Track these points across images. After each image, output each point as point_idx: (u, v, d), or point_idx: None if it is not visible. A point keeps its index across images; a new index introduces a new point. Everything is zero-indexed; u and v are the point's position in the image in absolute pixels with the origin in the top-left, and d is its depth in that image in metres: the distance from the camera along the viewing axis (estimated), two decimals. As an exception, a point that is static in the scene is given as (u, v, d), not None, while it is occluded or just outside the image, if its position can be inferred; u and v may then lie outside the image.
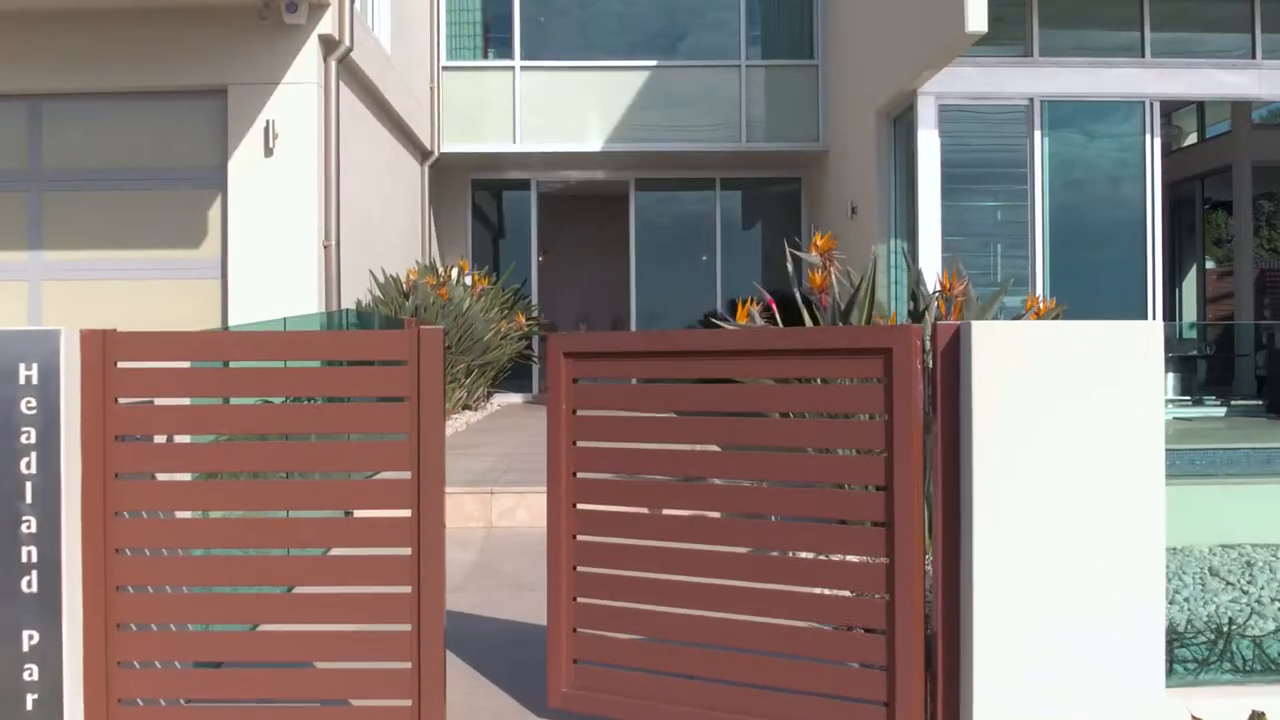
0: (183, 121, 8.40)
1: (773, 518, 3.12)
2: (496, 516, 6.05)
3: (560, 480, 3.29)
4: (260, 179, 8.21)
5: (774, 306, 6.17)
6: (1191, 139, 15.32)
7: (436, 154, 13.05)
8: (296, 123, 8.27)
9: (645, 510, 3.20)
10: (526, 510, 6.03)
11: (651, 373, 3.17)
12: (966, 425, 2.74)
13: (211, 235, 8.38)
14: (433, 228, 13.45)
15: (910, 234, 10.97)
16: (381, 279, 10.16)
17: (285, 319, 6.60)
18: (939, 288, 5.62)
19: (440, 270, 12.95)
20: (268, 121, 8.18)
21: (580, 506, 3.29)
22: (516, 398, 14.57)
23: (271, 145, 8.17)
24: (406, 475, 2.94)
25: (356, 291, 9.53)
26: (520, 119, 13.24)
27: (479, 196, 15.02)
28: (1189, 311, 14.70)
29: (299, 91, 8.25)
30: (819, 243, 5.98)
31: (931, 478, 2.83)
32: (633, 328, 14.74)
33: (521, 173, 14.59)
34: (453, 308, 9.49)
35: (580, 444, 3.29)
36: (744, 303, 5.81)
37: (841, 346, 2.94)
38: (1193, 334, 14.04)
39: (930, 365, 2.83)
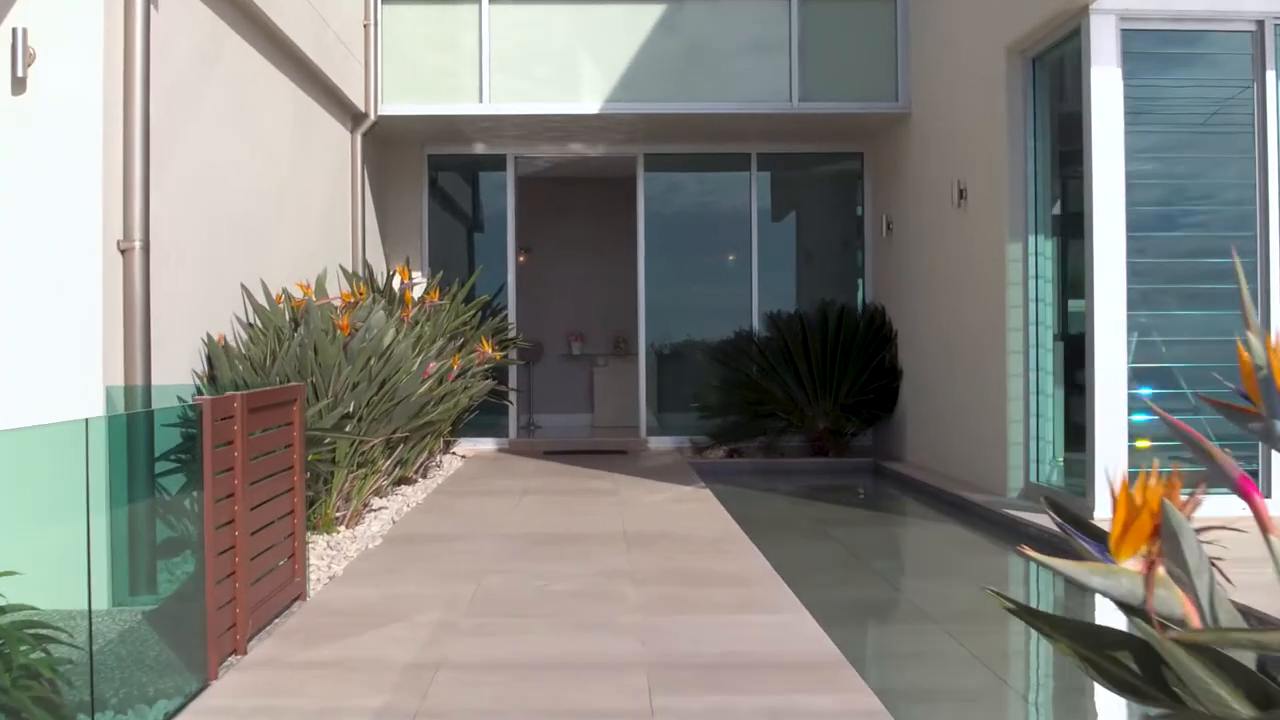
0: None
1: None
2: None
3: None
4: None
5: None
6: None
7: (373, 117, 9.47)
8: (71, 34, 4.72)
9: None
10: None
11: None
12: None
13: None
14: (369, 220, 9.86)
15: (1062, 227, 7.42)
16: (265, 298, 6.61)
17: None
18: None
19: (379, 277, 9.37)
20: (15, 32, 4.63)
21: None
22: (488, 444, 11.02)
23: (22, 71, 4.62)
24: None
25: (214, 321, 5.98)
26: (489, 70, 9.67)
27: (440, 179, 11.45)
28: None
29: (76, -21, 4.71)
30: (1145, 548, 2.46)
31: None
32: (641, 348, 11.17)
33: (493, 145, 11.00)
34: (366, 345, 5.93)
35: None
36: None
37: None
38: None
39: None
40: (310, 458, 5.29)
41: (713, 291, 11.50)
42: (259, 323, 6.47)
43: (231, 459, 3.77)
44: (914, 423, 9.72)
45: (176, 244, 5.45)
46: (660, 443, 11.05)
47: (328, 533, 5.77)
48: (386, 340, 6.16)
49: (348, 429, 5.66)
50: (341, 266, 8.84)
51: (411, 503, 7.28)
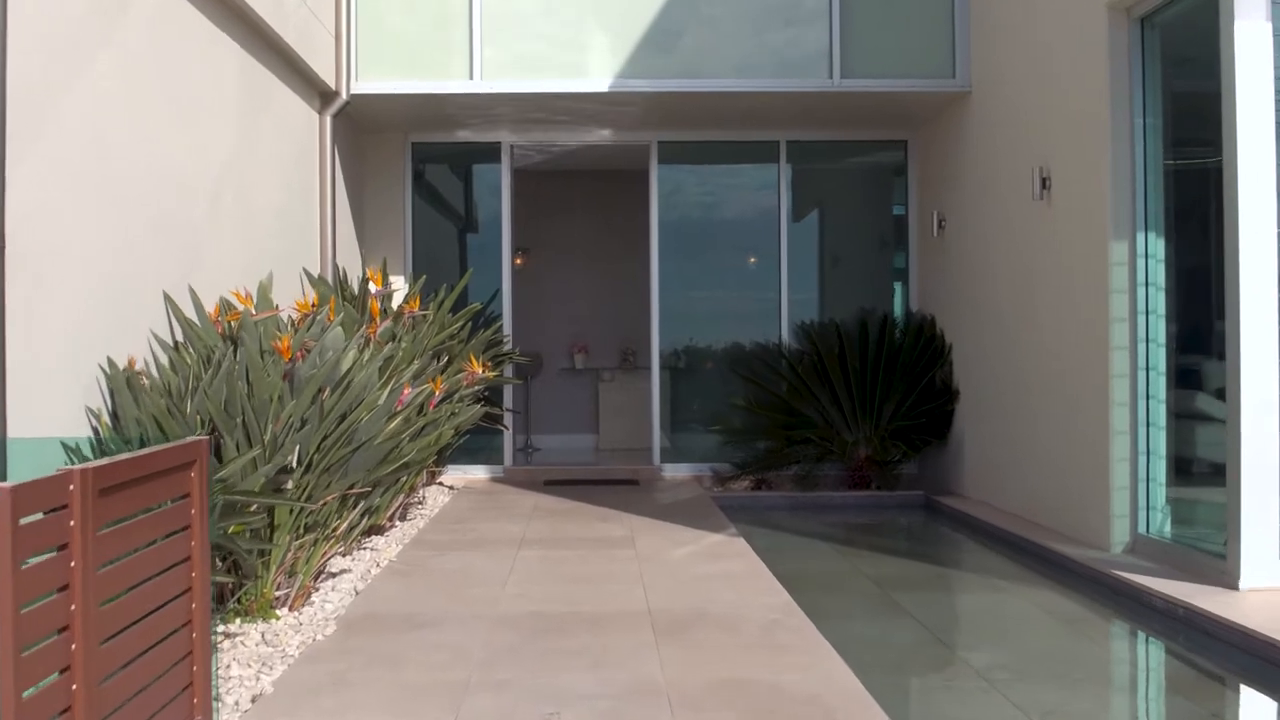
0: None
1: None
2: None
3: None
4: None
5: None
6: None
7: (345, 96, 8.11)
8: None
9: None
10: None
11: None
12: None
13: None
14: (342, 216, 8.50)
15: (1178, 223, 6.09)
16: (197, 311, 5.25)
17: None
18: None
19: (354, 283, 8.03)
20: None
21: None
22: (480, 473, 9.66)
23: None
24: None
25: (123, 341, 4.63)
26: (481, 42, 8.32)
27: (425, 172, 10.10)
28: None
29: None
30: None
31: None
32: (654, 362, 9.82)
33: (486, 131, 9.65)
34: (318, 372, 4.56)
35: None
36: None
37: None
38: None
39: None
40: (232, 530, 3.94)
41: (735, 298, 10.16)
42: (184, 339, 5.12)
43: (65, 573, 2.42)
44: (973, 452, 8.37)
45: (56, 243, 4.10)
46: (676, 471, 9.69)
47: (264, 619, 4.41)
48: (345, 364, 4.80)
49: (288, 486, 4.30)
50: (306, 271, 7.48)
51: (383, 560, 5.92)
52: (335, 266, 7.97)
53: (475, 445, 9.45)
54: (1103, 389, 6.20)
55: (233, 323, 5.02)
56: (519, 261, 11.51)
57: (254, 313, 4.98)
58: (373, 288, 6.95)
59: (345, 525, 4.94)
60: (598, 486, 9.12)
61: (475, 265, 9.99)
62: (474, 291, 9.77)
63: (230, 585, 4.34)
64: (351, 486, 4.73)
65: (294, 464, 4.37)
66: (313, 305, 5.52)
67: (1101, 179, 6.22)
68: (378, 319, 5.64)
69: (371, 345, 5.33)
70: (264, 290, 5.50)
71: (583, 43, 8.41)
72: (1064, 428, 6.74)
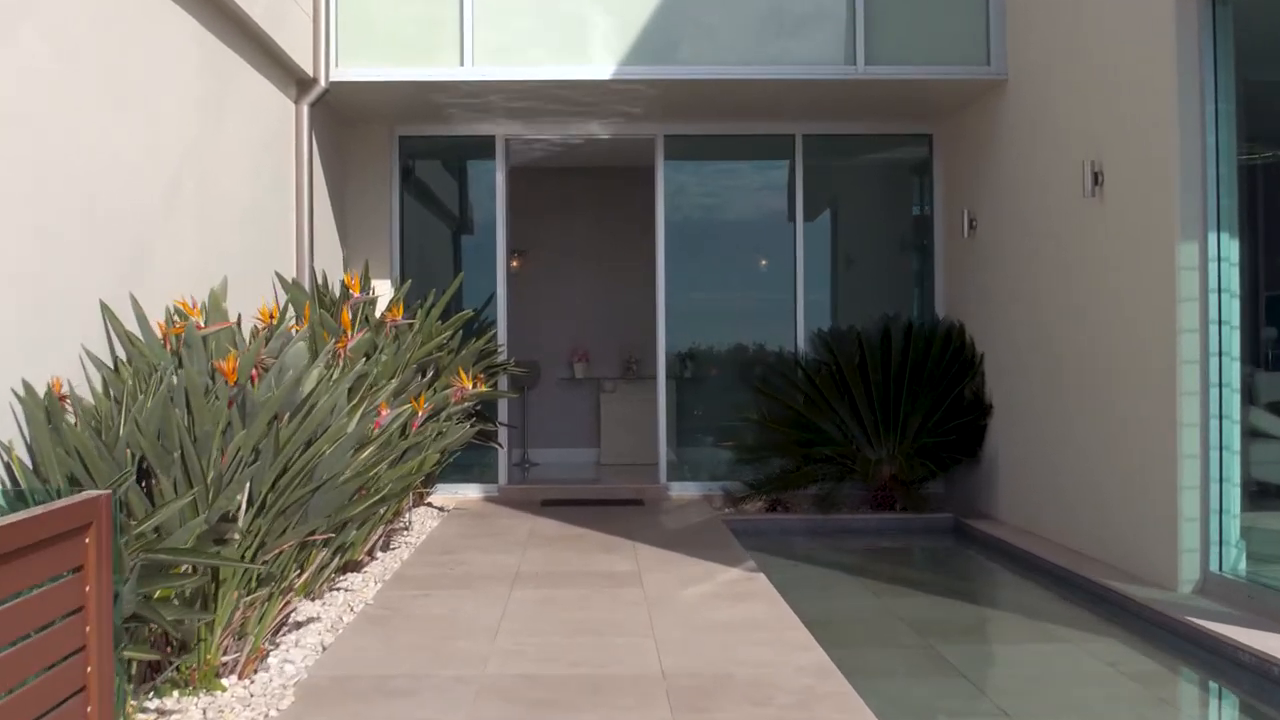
0: None
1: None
2: None
3: None
4: None
5: None
6: None
7: (323, 84, 7.42)
8: None
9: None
10: None
11: None
12: None
13: None
14: (321, 215, 7.81)
15: (1254, 224, 5.42)
16: (140, 325, 4.55)
17: None
18: None
19: (334, 285, 7.36)
20: None
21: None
22: (472, 492, 8.97)
23: None
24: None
25: (48, 359, 3.94)
26: (473, 24, 7.63)
27: (414, 168, 9.41)
28: None
29: None
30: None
31: None
32: (660, 371, 9.13)
33: (479, 123, 8.95)
34: (273, 397, 3.87)
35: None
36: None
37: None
38: None
39: None
40: (158, 596, 3.24)
41: (746, 303, 9.48)
42: (131, 359, 4.43)
43: None
44: (1009, 472, 7.68)
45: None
46: (684, 490, 9.00)
47: (208, 691, 3.72)
48: (307, 385, 4.11)
49: (233, 537, 3.60)
50: (279, 274, 6.79)
51: (357, 603, 5.22)
52: (313, 269, 7.27)
53: (468, 461, 8.77)
54: (1168, 408, 5.51)
55: (180, 336, 4.32)
56: (515, 264, 10.83)
57: (202, 324, 4.28)
58: (363, 294, 6.25)
59: (313, 567, 4.25)
60: (600, 508, 8.44)
61: (469, 268, 9.33)
62: (468, 295, 9.11)
63: (166, 654, 3.65)
64: (314, 531, 4.03)
65: (243, 506, 3.67)
66: (273, 315, 4.81)
67: (1167, 173, 5.54)
68: (350, 331, 4.94)
69: (342, 362, 4.63)
70: (216, 299, 4.80)
71: (584, 26, 7.71)
72: (1119, 450, 6.05)
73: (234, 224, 6.19)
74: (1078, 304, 6.56)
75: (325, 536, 4.20)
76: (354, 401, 4.44)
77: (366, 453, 4.35)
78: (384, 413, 4.95)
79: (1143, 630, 5.17)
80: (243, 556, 3.64)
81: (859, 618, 5.65)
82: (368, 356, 6.05)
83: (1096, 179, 6.25)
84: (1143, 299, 5.79)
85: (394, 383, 5.54)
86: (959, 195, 8.65)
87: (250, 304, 5.88)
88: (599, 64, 7.65)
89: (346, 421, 4.17)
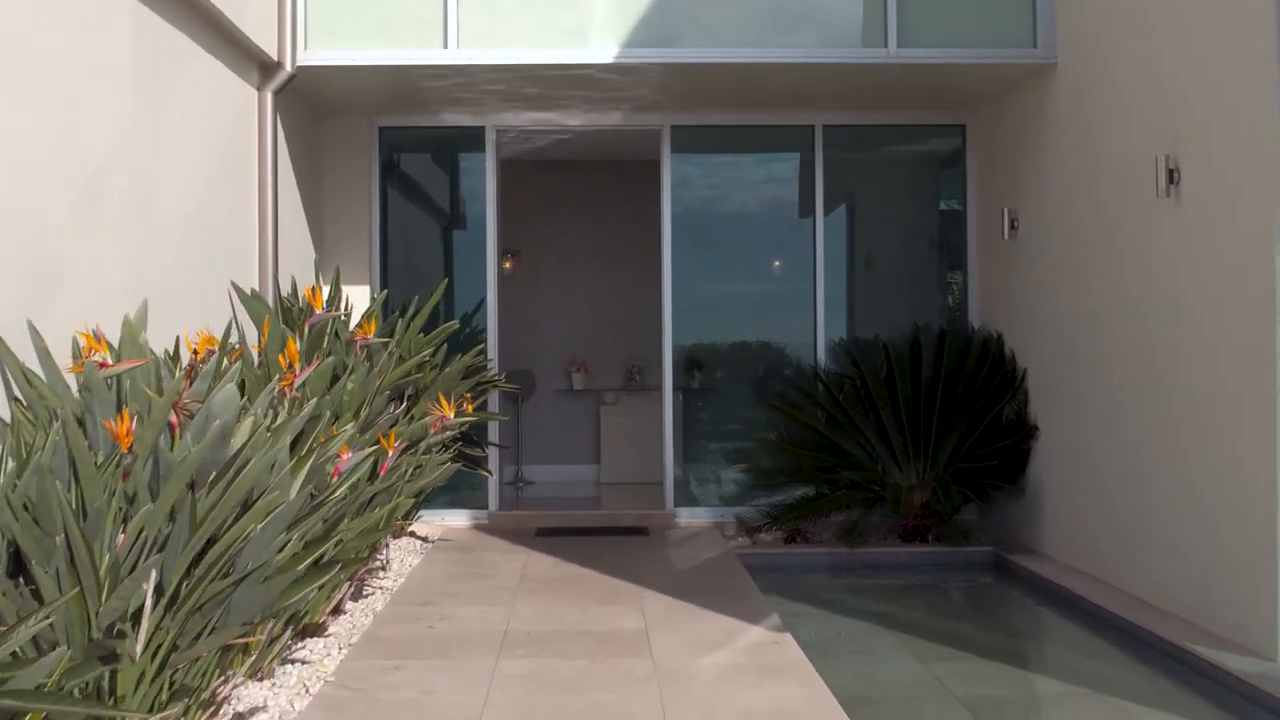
0: None
1: None
2: None
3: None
4: None
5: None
6: None
7: (289, 68, 6.59)
8: None
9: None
10: None
11: None
12: None
13: None
14: (288, 216, 6.98)
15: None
16: (42, 362, 3.73)
17: None
18: None
19: (304, 297, 6.55)
20: None
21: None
22: (460, 519, 8.17)
23: None
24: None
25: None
26: (458, 1, 6.79)
27: (396, 162, 8.59)
28: None
29: None
30: None
31: None
32: (667, 383, 8.32)
33: (466, 112, 8.12)
34: (188, 458, 3.05)
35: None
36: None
37: None
38: None
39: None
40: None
41: (761, 309, 8.66)
42: (31, 404, 3.61)
43: None
44: (1056, 504, 6.88)
45: None
46: (693, 516, 8.20)
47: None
48: (238, 440, 3.30)
49: (132, 650, 2.79)
50: (236, 285, 5.97)
51: (315, 680, 4.41)
52: (277, 278, 6.46)
53: (456, 482, 7.94)
54: (1268, 443, 4.70)
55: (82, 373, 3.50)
56: (508, 266, 10.04)
57: (108, 360, 3.46)
58: (313, 310, 5.43)
59: (261, 642, 3.43)
60: (600, 538, 7.64)
61: (460, 270, 8.52)
62: (460, 301, 8.31)
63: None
64: (245, 625, 3.22)
65: (147, 605, 2.87)
66: (205, 347, 3.98)
67: (1266, 168, 4.72)
68: (295, 365, 4.12)
69: (289, 403, 3.82)
70: (131, 329, 3.95)
71: (581, 2, 6.88)
72: (1197, 484, 5.24)
73: (178, 229, 5.37)
74: (1146, 317, 5.75)
75: (249, 640, 3.39)
76: (301, 453, 3.62)
77: (313, 520, 3.53)
78: (344, 459, 4.14)
79: (1241, 710, 4.37)
80: (141, 677, 2.83)
81: (906, 693, 4.83)
82: (335, 380, 5.25)
83: (1171, 176, 5.43)
84: (1233, 314, 4.97)
85: (362, 415, 4.73)
86: (997, 192, 7.82)
87: (200, 322, 5.06)
88: (598, 46, 6.82)
89: (289, 482, 3.35)
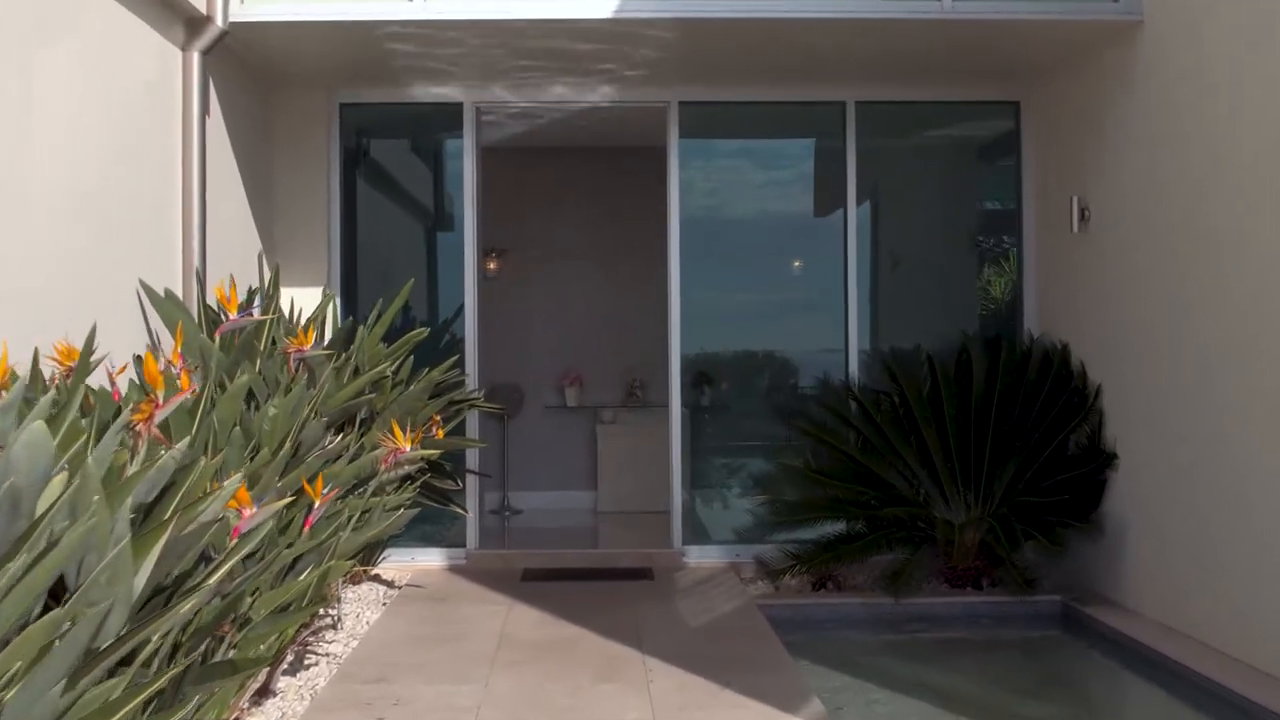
0: None
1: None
2: None
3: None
4: None
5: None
6: None
7: (221, 24, 5.45)
8: None
9: None
10: None
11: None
12: None
13: None
14: (218, 202, 5.85)
15: None
16: None
17: None
18: None
19: (243, 293, 5.39)
20: None
21: None
22: (434, 558, 7.04)
23: None
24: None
25: None
26: (425, -54, 5.67)
27: (365, 144, 7.47)
28: None
29: None
30: None
31: None
32: (674, 399, 7.19)
33: (441, 86, 7.00)
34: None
35: None
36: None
37: None
38: None
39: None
40: None
41: (781, 315, 7.54)
42: None
43: None
44: (1142, 547, 5.74)
45: None
46: (704, 555, 7.06)
47: None
48: (44, 501, 2.17)
49: None
50: (145, 284, 4.84)
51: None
52: (203, 278, 5.32)
53: (428, 514, 6.78)
54: None
55: None
56: (492, 266, 8.91)
57: None
58: (226, 315, 4.30)
59: None
60: (597, 583, 6.51)
61: (441, 274, 7.43)
62: (444, 308, 7.23)
63: None
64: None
65: None
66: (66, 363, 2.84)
67: None
68: (158, 391, 2.97)
69: (144, 445, 2.68)
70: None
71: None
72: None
73: (64, 215, 4.24)
74: (1261, 329, 4.62)
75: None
76: (164, 517, 2.49)
77: (159, 623, 2.38)
78: (247, 517, 3.01)
79: None
80: None
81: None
82: (255, 406, 4.12)
83: (1317, 147, 4.31)
84: None
85: (283, 451, 3.60)
86: (1062, 179, 6.70)
87: (107, 331, 3.92)
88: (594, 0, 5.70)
89: (128, 566, 2.21)
